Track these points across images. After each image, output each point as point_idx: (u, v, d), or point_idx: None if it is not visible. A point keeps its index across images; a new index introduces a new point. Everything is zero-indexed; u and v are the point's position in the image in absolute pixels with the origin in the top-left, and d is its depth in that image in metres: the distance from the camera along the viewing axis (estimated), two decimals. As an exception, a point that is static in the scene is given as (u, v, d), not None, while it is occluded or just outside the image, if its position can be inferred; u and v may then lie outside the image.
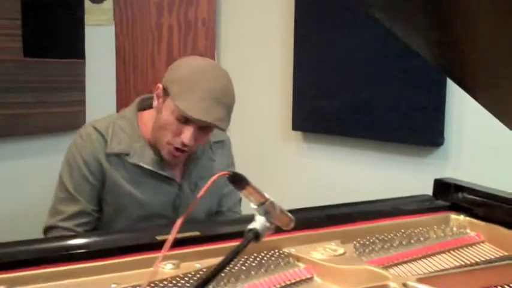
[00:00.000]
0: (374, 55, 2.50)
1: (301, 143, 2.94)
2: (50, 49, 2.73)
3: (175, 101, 1.66)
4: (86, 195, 1.78)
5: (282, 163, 3.03)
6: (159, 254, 1.30)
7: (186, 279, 1.22)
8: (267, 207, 0.88)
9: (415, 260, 1.40)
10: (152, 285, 1.17)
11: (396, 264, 1.37)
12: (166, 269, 1.28)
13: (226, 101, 1.71)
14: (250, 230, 0.84)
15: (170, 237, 0.78)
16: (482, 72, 1.23)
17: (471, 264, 1.35)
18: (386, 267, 1.33)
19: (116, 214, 1.81)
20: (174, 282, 1.21)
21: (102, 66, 3.07)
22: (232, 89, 1.76)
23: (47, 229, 1.83)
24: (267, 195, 0.89)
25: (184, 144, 1.71)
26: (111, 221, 1.83)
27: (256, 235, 0.83)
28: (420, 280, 1.11)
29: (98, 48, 3.02)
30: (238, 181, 0.83)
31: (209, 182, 0.79)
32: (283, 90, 2.93)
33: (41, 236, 1.87)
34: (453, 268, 1.31)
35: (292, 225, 0.98)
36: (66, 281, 1.20)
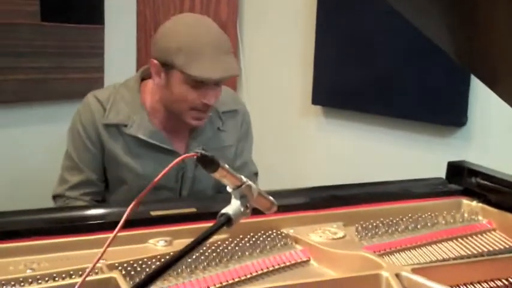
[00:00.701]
0: (397, 30, 2.40)
1: (321, 117, 2.87)
2: (68, 14, 2.68)
3: (187, 71, 1.61)
4: (89, 164, 1.76)
5: (300, 137, 2.97)
6: (151, 231, 1.30)
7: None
8: (243, 191, 0.83)
9: (419, 246, 1.35)
10: (140, 262, 1.14)
11: (398, 251, 1.31)
12: (158, 246, 1.26)
13: (228, 47, 1.69)
14: (223, 214, 0.80)
15: (122, 220, 0.73)
16: (500, 64, 1.17)
17: (474, 255, 1.29)
18: (385, 254, 1.28)
19: (118, 185, 1.79)
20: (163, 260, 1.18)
21: (122, 33, 3.02)
22: (222, 31, 1.72)
23: (55, 197, 1.83)
24: (243, 179, 0.85)
25: (208, 106, 1.69)
26: (114, 192, 1.82)
27: (228, 220, 0.79)
28: (415, 271, 1.05)
29: (118, 15, 2.97)
30: (208, 163, 0.78)
31: (172, 164, 0.74)
32: (304, 64, 2.85)
33: (50, 200, 1.87)
34: (454, 259, 1.25)
35: (274, 209, 0.93)
36: (53, 254, 1.18)
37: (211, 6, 3.12)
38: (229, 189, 0.84)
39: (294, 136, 3.00)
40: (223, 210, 0.80)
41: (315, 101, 2.81)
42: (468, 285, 1.13)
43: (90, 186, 1.78)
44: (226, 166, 0.80)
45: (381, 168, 2.64)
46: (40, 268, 1.12)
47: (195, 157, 0.76)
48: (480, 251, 1.34)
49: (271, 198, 0.92)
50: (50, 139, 2.65)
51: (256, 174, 2.03)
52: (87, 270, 0.76)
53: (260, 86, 3.10)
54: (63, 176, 1.81)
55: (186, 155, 0.76)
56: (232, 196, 0.84)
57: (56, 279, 1.07)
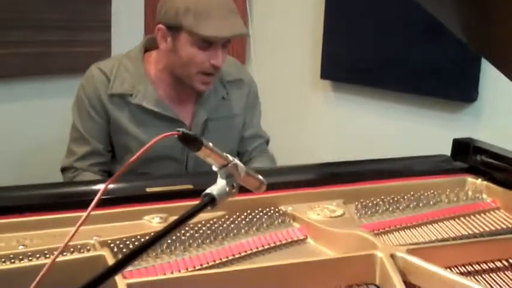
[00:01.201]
0: (408, 4, 2.34)
1: (329, 92, 2.83)
2: (74, -14, 2.66)
3: (197, 31, 1.62)
4: (95, 135, 1.77)
5: (308, 111, 2.94)
6: (146, 207, 1.28)
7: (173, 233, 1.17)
8: (229, 170, 0.81)
9: (419, 225, 1.32)
10: (133, 239, 1.13)
11: (397, 229, 1.29)
12: (153, 222, 1.24)
13: (234, 7, 1.72)
14: (207, 194, 0.77)
15: (95, 198, 0.71)
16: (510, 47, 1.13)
17: (475, 235, 1.26)
18: (384, 233, 1.26)
19: (123, 155, 1.79)
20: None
21: (130, 6, 2.99)
22: None
23: (63, 169, 1.84)
24: (229, 157, 0.82)
25: (216, 67, 1.70)
26: (120, 162, 1.81)
27: (212, 200, 0.77)
28: (410, 251, 1.03)
29: (126, -13, 2.95)
30: (191, 142, 0.76)
31: (152, 142, 0.71)
32: (314, 37, 2.81)
33: (58, 176, 1.87)
34: (454, 238, 1.23)
35: (263, 188, 0.91)
36: (46, 231, 1.17)
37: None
38: (214, 168, 0.82)
39: (302, 110, 2.96)
40: (208, 190, 0.78)
41: (324, 75, 2.77)
42: (467, 266, 1.10)
43: (98, 156, 1.79)
44: (210, 145, 0.78)
45: (389, 143, 2.60)
46: (32, 244, 1.11)
47: (176, 136, 0.73)
48: (482, 230, 1.31)
49: (260, 177, 0.90)
50: (55, 113, 2.64)
51: (267, 141, 2.04)
52: (59, 249, 0.74)
53: (269, 58, 3.06)
54: (70, 147, 1.82)
55: (166, 134, 0.73)
56: (218, 175, 0.81)
57: (47, 256, 1.06)
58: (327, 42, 2.72)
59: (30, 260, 1.05)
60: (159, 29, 1.69)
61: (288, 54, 2.97)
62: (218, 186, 0.79)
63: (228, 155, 0.82)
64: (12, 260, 1.03)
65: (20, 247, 1.10)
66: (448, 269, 1.03)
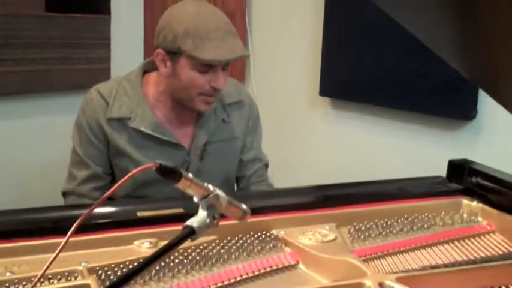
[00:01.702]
0: (406, 20, 2.34)
1: (328, 109, 2.82)
2: (73, 4, 2.67)
3: (196, 55, 1.61)
4: (94, 159, 1.75)
5: (307, 129, 2.93)
6: (137, 232, 1.27)
7: (162, 259, 1.17)
8: (210, 201, 0.80)
9: (412, 250, 1.31)
10: (121, 266, 1.12)
11: (390, 254, 1.28)
12: (143, 247, 1.23)
13: (234, 29, 1.69)
14: (186, 226, 0.77)
15: (73, 226, 0.70)
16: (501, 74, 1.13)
17: (467, 262, 1.24)
18: (375, 258, 1.25)
19: (123, 178, 1.77)
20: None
21: (130, 23, 3.00)
22: (224, 14, 1.72)
23: (64, 194, 1.82)
24: (211, 188, 0.81)
25: (217, 90, 1.69)
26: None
27: (192, 232, 0.76)
28: (399, 279, 1.01)
29: (125, 5, 2.95)
30: (169, 173, 0.75)
31: (126, 177, 0.71)
32: (312, 55, 2.80)
33: (57, 195, 1.86)
34: (445, 265, 1.21)
35: (247, 217, 0.90)
36: (34, 256, 1.16)
37: (219, -3, 3.08)
38: (195, 199, 0.81)
39: (301, 127, 2.96)
40: (188, 222, 0.77)
41: (323, 92, 2.76)
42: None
43: (97, 180, 1.77)
44: (190, 175, 0.77)
45: (388, 161, 2.59)
46: (20, 271, 1.11)
47: (154, 168, 0.73)
48: (476, 255, 1.30)
49: (243, 206, 0.89)
50: (55, 130, 2.64)
51: (267, 165, 2.02)
52: (36, 279, 0.73)
53: (268, 76, 3.06)
54: (70, 171, 1.80)
55: (142, 167, 0.73)
56: (200, 206, 0.81)
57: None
58: (325, 59, 2.71)
59: (12, 288, 1.04)
60: (158, 54, 1.67)
61: (286, 72, 2.97)
62: (198, 218, 0.78)
63: (210, 186, 0.82)
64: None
65: (7, 274, 1.09)
66: (438, 298, 1.02)
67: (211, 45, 1.61)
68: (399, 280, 1.01)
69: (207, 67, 1.64)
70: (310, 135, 2.92)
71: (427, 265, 1.24)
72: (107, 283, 1.08)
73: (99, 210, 1.35)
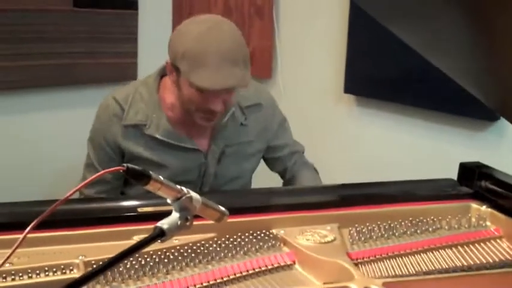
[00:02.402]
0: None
1: (353, 106, 2.80)
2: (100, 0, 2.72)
3: (190, 79, 1.57)
4: (105, 165, 1.74)
5: (331, 125, 2.91)
6: (137, 227, 1.29)
7: (157, 255, 1.18)
8: (182, 203, 0.81)
9: (413, 253, 1.30)
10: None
11: (388, 258, 1.27)
12: (141, 243, 1.25)
13: (239, 57, 1.60)
14: (156, 227, 0.78)
15: (36, 220, 0.72)
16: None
17: (463, 268, 1.23)
18: (371, 261, 1.24)
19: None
20: (145, 257, 1.17)
21: (157, 18, 3.03)
22: (241, 38, 1.64)
23: (87, 199, 1.83)
24: (184, 190, 0.82)
25: (213, 112, 1.65)
26: (134, 185, 1.80)
27: (161, 233, 0.77)
28: (385, 284, 1.01)
29: (154, 0, 2.99)
30: (137, 176, 0.76)
31: (89, 179, 0.72)
32: (338, 52, 2.79)
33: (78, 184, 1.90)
34: (439, 271, 1.20)
35: (225, 219, 0.90)
36: (35, 248, 1.19)
37: (246, -7, 3.08)
38: (169, 201, 0.82)
39: (325, 124, 2.94)
40: (159, 223, 0.79)
41: (347, 89, 2.74)
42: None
43: (104, 184, 1.77)
44: (161, 178, 0.78)
45: (410, 160, 2.56)
46: (19, 262, 1.14)
47: (121, 171, 0.74)
48: (477, 261, 1.28)
49: (221, 208, 0.89)
50: (82, 121, 2.68)
51: (303, 152, 2.06)
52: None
53: (294, 72, 3.05)
54: (83, 173, 1.83)
55: (107, 170, 0.74)
56: (173, 208, 0.82)
57: (30, 275, 1.09)
58: (350, 57, 2.69)
59: (13, 280, 1.08)
60: (167, 63, 1.67)
61: (312, 69, 2.96)
62: (170, 220, 0.79)
63: (183, 188, 0.82)
64: (-5, 278, 1.06)
65: (7, 265, 1.12)
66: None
67: (206, 72, 1.56)
68: (385, 285, 1.01)
69: (205, 89, 1.59)
70: (334, 132, 2.90)
71: (424, 270, 1.23)
72: (102, 278, 1.10)
73: (100, 204, 1.38)
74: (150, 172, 0.77)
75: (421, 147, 2.55)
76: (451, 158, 2.42)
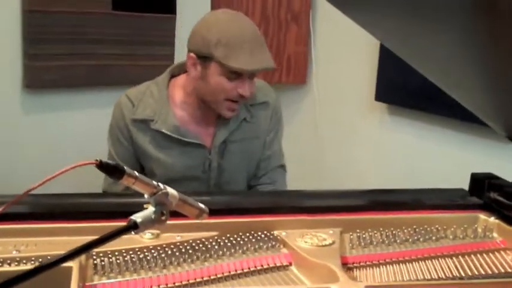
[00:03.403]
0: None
1: (385, 114, 2.80)
2: (139, 3, 2.79)
3: (227, 63, 1.69)
4: (123, 158, 1.85)
5: (362, 132, 2.92)
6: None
7: (157, 250, 1.23)
8: (158, 198, 0.85)
9: (412, 261, 1.30)
10: (116, 253, 1.20)
11: (385, 264, 1.28)
12: (144, 238, 1.29)
13: (263, 41, 1.78)
14: (130, 219, 0.82)
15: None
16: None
17: (453, 278, 1.22)
18: (366, 267, 1.25)
19: (150, 176, 1.85)
20: (144, 251, 1.22)
21: (194, 21, 3.08)
22: (256, 26, 1.81)
23: (103, 193, 1.92)
24: (160, 186, 0.86)
25: (243, 97, 1.76)
26: None
27: (134, 226, 0.81)
28: (368, 289, 1.02)
29: (192, 4, 3.05)
30: (111, 171, 0.80)
31: (59, 172, 0.77)
32: (370, 59, 2.79)
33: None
34: (428, 280, 1.20)
35: (204, 216, 0.93)
36: (44, 238, 1.25)
37: (284, -1, 3.12)
38: (146, 196, 0.87)
39: (356, 130, 2.95)
40: (133, 216, 0.83)
41: (378, 97, 2.75)
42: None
43: None
44: (135, 173, 0.82)
45: (440, 169, 2.54)
46: (26, 250, 1.20)
47: (94, 165, 0.78)
48: (476, 272, 1.27)
49: (200, 205, 0.93)
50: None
51: (283, 166, 2.03)
52: None
53: (329, 79, 3.07)
54: None
55: (81, 162, 0.78)
56: (150, 203, 0.86)
57: (34, 262, 1.15)
58: (382, 65, 2.70)
59: (17, 265, 1.14)
60: (189, 57, 1.76)
61: (346, 75, 2.97)
62: (145, 213, 0.83)
63: (160, 184, 0.86)
64: (0, 264, 1.13)
65: (14, 252, 1.19)
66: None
67: (242, 55, 1.69)
68: (368, 289, 1.02)
69: (235, 74, 1.72)
70: (365, 139, 2.91)
71: (420, 278, 1.23)
72: (100, 269, 1.16)
73: (108, 200, 1.44)
74: (125, 167, 0.81)
75: (450, 157, 2.53)
76: (479, 169, 2.40)
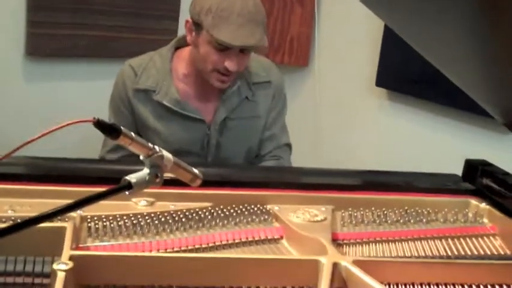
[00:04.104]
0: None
1: (384, 100, 2.81)
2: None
3: (212, 33, 1.68)
4: (123, 127, 1.84)
5: (361, 116, 2.93)
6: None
7: (150, 217, 1.24)
8: (153, 160, 0.86)
9: (401, 241, 1.32)
10: (110, 218, 1.21)
11: (373, 242, 1.30)
12: (139, 205, 1.31)
13: (260, 19, 1.72)
14: (124, 179, 0.83)
15: None
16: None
17: (440, 257, 1.25)
18: (355, 244, 1.27)
19: None
20: (138, 217, 1.24)
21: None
22: (262, 6, 1.76)
23: (100, 160, 1.93)
24: (156, 148, 0.87)
25: (228, 71, 1.74)
26: None
27: (128, 186, 0.82)
28: (355, 262, 1.04)
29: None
30: (108, 130, 0.81)
31: (53, 128, 0.77)
32: (373, 44, 2.79)
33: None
34: (417, 257, 1.22)
35: (198, 182, 0.95)
36: (39, 200, 1.27)
37: (291, -20, 3.12)
38: (141, 157, 0.88)
39: (355, 114, 2.97)
40: (127, 176, 0.84)
41: (379, 83, 2.75)
42: (417, 286, 1.10)
43: (125, 149, 1.85)
44: (132, 134, 0.84)
45: (436, 158, 2.56)
46: (21, 210, 1.22)
47: (92, 123, 0.79)
48: (463, 253, 1.29)
49: (194, 170, 0.94)
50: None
51: (288, 145, 2.04)
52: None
53: (331, 62, 3.07)
54: (104, 138, 1.92)
55: (77, 120, 0.79)
56: (145, 164, 0.87)
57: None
58: (384, 51, 2.70)
59: (7, 223, 1.15)
60: (187, 22, 1.77)
61: (347, 59, 2.98)
62: (139, 174, 0.85)
63: (156, 147, 0.88)
64: (-5, 222, 1.14)
65: (9, 211, 1.21)
66: (394, 285, 1.04)
67: (229, 28, 1.66)
68: (355, 263, 1.04)
69: (222, 46, 1.69)
70: (364, 123, 2.92)
71: (409, 256, 1.25)
72: (94, 232, 1.17)
73: (108, 166, 1.45)
74: (121, 127, 0.82)
75: (447, 145, 2.55)
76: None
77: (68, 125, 0.78)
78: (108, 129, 0.81)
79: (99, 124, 0.80)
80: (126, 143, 0.84)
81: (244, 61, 1.76)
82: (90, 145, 2.67)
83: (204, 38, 1.71)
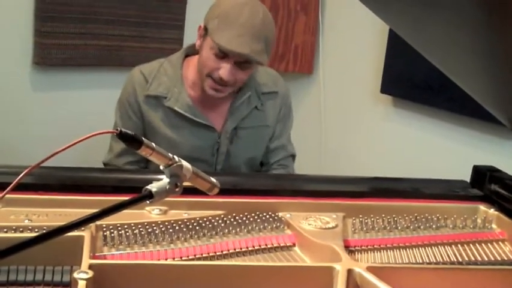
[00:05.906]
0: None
1: (389, 107, 2.83)
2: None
3: (213, 37, 1.71)
4: None
5: (366, 124, 2.95)
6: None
7: (164, 225, 1.26)
8: (173, 170, 0.88)
9: (412, 247, 1.33)
10: (125, 226, 1.23)
11: (385, 249, 1.31)
12: (152, 214, 1.33)
13: (264, 35, 1.72)
14: (146, 189, 0.85)
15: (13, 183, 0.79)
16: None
17: (451, 263, 1.26)
18: (367, 250, 1.29)
19: None
20: (152, 225, 1.25)
21: (205, 6, 3.10)
22: (271, 24, 1.77)
23: (104, 164, 1.95)
24: (175, 158, 0.89)
25: (222, 79, 1.75)
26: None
27: (149, 195, 0.84)
28: (369, 269, 1.06)
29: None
30: (130, 140, 0.83)
31: (77, 141, 0.79)
32: (378, 51, 2.81)
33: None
34: (429, 263, 1.23)
35: (216, 190, 0.97)
36: (56, 209, 1.28)
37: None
38: (161, 167, 0.90)
39: (361, 122, 2.98)
40: (148, 186, 0.86)
41: (384, 89, 2.77)
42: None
43: (131, 155, 1.86)
44: (153, 145, 0.85)
45: (442, 164, 2.57)
46: (37, 220, 1.24)
47: (115, 134, 0.81)
48: (473, 259, 1.31)
49: (212, 179, 0.96)
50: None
51: (293, 156, 2.06)
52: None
53: (335, 70, 3.09)
54: (110, 143, 1.94)
55: (100, 131, 0.81)
56: (165, 174, 0.89)
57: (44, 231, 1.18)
58: (389, 57, 2.72)
59: (29, 234, 1.17)
60: (199, 27, 1.80)
61: (352, 66, 3.00)
62: (159, 184, 0.86)
63: (175, 157, 0.89)
64: (13, 231, 1.16)
65: (26, 221, 1.22)
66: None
67: (229, 34, 1.68)
68: (369, 269, 1.05)
69: (222, 53, 1.71)
70: (369, 130, 2.94)
71: (420, 262, 1.26)
72: (109, 240, 1.19)
73: (121, 175, 1.47)
74: (143, 138, 0.84)
75: (453, 151, 2.56)
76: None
77: (92, 136, 0.80)
78: (130, 140, 0.83)
79: (122, 135, 0.82)
80: (147, 153, 0.86)
81: (239, 75, 1.77)
82: (92, 152, 2.71)
83: (207, 43, 1.74)
